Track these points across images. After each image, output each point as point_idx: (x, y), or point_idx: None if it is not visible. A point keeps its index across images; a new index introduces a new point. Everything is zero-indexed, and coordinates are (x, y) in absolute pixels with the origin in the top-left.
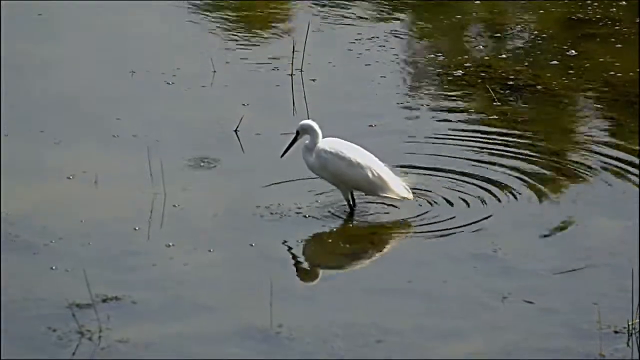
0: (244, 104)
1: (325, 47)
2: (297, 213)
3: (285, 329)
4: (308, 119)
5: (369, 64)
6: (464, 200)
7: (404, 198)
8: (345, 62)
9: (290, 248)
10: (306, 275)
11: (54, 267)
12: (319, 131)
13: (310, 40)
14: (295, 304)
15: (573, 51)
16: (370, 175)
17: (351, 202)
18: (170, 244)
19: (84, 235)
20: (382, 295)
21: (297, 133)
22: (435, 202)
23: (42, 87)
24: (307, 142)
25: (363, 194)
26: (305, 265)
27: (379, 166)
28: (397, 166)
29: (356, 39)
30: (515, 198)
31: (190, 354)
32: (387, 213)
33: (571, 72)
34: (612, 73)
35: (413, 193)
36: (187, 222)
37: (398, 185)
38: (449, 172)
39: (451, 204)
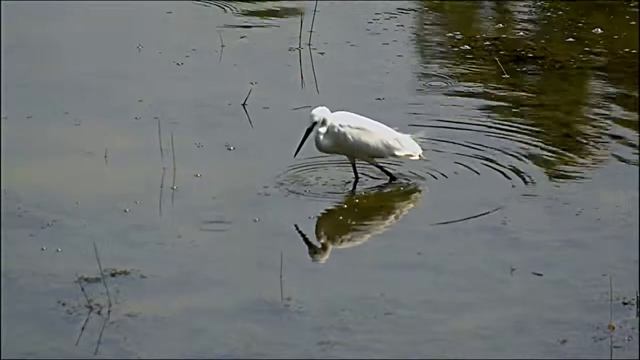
0: (252, 83)
1: (333, 23)
2: (305, 189)
3: (294, 302)
4: (317, 91)
5: (380, 40)
6: (471, 172)
7: (420, 156)
8: (352, 37)
9: (298, 223)
10: (315, 249)
11: (62, 242)
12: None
13: (319, 17)
14: (304, 277)
15: (582, 24)
16: (386, 137)
17: (356, 173)
18: (179, 219)
19: (93, 211)
20: (391, 268)
21: (315, 123)
22: (443, 175)
23: (56, 66)
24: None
25: (372, 165)
26: (314, 239)
27: (391, 131)
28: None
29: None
30: (523, 170)
31: (200, 328)
32: (395, 186)
33: (580, 44)
34: (620, 46)
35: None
36: (196, 198)
37: (413, 144)
38: (457, 145)
39: (459, 177)
